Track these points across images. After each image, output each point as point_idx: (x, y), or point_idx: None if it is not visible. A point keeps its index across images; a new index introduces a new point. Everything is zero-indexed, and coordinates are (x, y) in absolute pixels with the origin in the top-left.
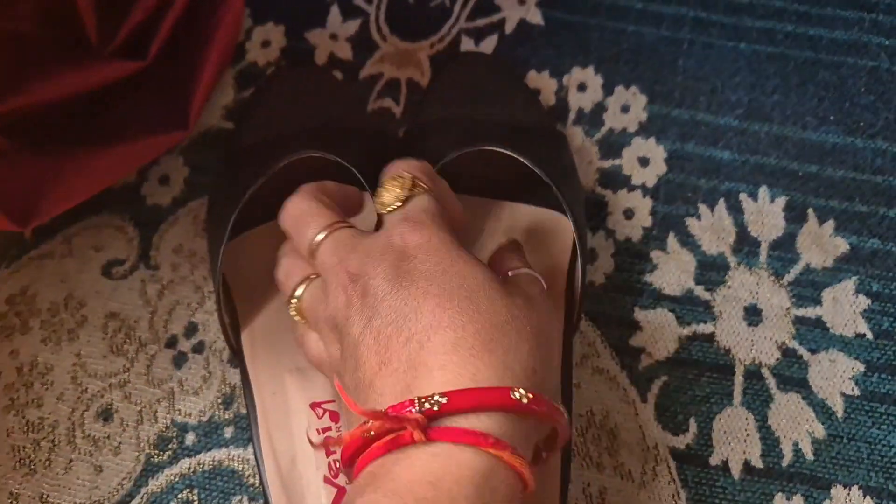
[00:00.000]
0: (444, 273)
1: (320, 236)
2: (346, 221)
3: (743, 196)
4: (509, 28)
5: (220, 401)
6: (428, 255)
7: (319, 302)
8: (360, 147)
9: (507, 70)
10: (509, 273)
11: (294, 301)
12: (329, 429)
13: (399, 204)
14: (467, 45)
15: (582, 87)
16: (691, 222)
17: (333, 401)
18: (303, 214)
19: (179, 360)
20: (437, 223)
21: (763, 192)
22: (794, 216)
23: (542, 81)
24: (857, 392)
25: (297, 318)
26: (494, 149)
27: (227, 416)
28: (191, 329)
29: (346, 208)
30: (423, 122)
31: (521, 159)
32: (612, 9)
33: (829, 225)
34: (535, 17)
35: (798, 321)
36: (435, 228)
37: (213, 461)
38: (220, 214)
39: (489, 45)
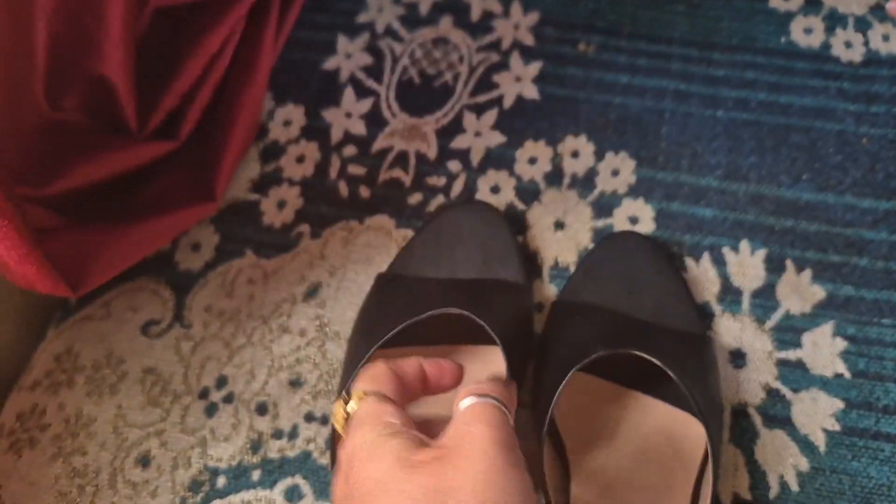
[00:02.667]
0: (357, 486)
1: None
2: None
3: (725, 249)
4: (507, 103)
5: (248, 446)
6: (352, 464)
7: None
8: (503, 306)
9: (664, 257)
10: (457, 410)
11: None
12: None
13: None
14: (469, 119)
15: (575, 154)
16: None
17: None
18: (374, 376)
19: (211, 410)
20: (362, 424)
21: (744, 245)
22: (774, 267)
23: (538, 150)
24: (837, 427)
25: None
26: (634, 353)
27: (254, 461)
28: (221, 381)
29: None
30: (571, 303)
31: (659, 363)
32: (599, 83)
33: (807, 274)
34: (531, 92)
35: (780, 363)
36: (356, 433)
37: (242, 502)
38: (364, 335)
39: (490, 119)
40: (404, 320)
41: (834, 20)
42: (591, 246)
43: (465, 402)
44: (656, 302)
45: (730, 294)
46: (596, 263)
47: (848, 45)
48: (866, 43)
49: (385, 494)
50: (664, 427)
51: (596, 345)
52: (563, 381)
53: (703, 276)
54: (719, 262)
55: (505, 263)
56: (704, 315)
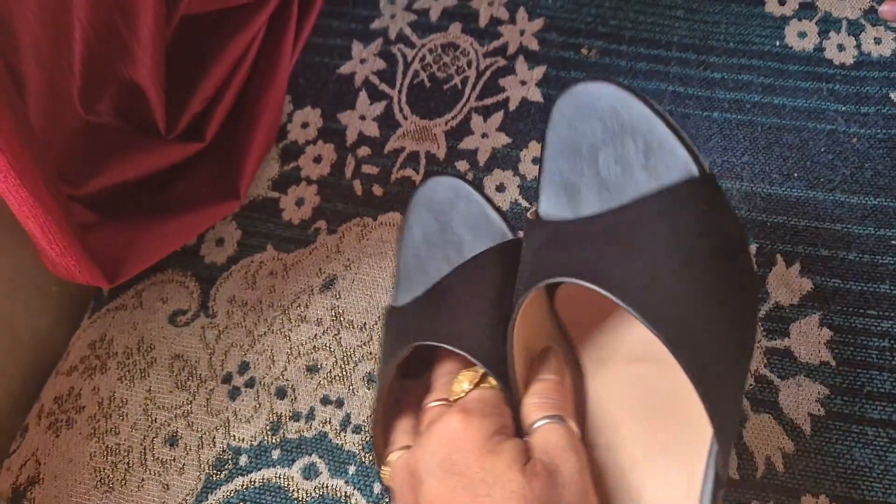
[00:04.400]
0: (469, 467)
1: (431, 404)
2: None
3: None
4: (513, 105)
5: (268, 428)
6: (465, 443)
7: (405, 471)
8: (484, 295)
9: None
10: (533, 427)
11: (386, 467)
12: None
13: (463, 394)
14: (476, 121)
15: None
16: None
17: None
18: (436, 379)
19: (234, 394)
20: (479, 413)
21: None
22: (764, 261)
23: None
24: (822, 412)
25: (386, 482)
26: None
27: (274, 441)
28: (243, 367)
29: None
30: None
31: (607, 293)
32: None
33: (796, 268)
34: (535, 95)
35: (769, 352)
36: (474, 420)
37: (263, 479)
38: (390, 354)
39: (496, 120)
40: (396, 350)
41: (827, 24)
42: None
43: (541, 423)
44: (628, 161)
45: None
46: (557, 142)
47: (840, 47)
48: (858, 46)
49: (501, 490)
50: (680, 393)
51: (531, 273)
52: (509, 329)
53: None
54: None
55: (489, 229)
56: None
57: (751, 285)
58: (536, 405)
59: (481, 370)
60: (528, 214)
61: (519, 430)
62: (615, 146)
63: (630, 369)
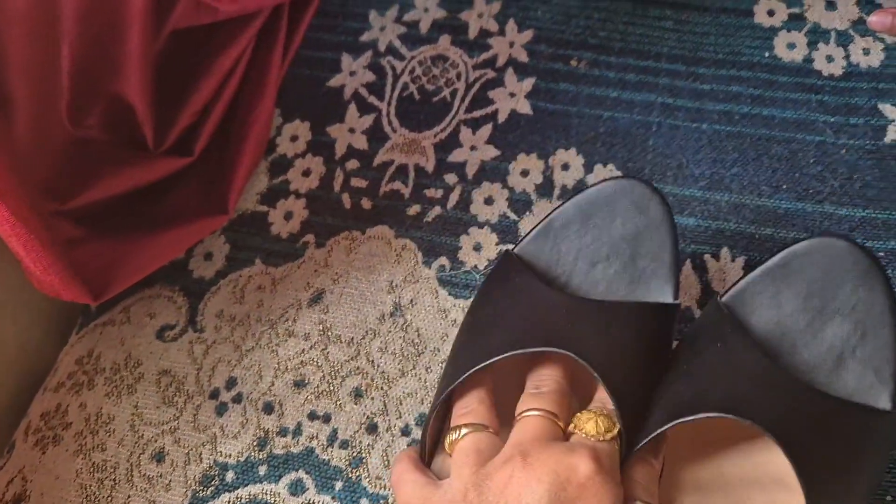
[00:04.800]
0: None
1: (532, 414)
2: (559, 418)
3: (707, 257)
4: (501, 118)
5: (255, 443)
6: (593, 497)
7: (471, 452)
8: (633, 337)
9: (879, 282)
10: None
11: (452, 436)
12: None
13: (594, 438)
14: (465, 134)
15: (565, 167)
16: None
17: None
18: (542, 384)
19: (221, 410)
20: (614, 475)
21: (725, 252)
22: None
23: (530, 163)
24: None
25: (447, 451)
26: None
27: (261, 456)
28: (231, 382)
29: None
30: (728, 311)
31: (786, 455)
32: (590, 98)
33: None
34: (524, 107)
35: None
36: (609, 479)
37: (249, 495)
38: (472, 335)
39: (485, 133)
40: (515, 337)
41: (817, 35)
42: None
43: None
44: (839, 348)
45: (709, 299)
46: (786, 267)
47: (829, 58)
48: (847, 56)
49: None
50: (782, 500)
51: (716, 396)
52: (656, 431)
53: (685, 282)
54: (700, 269)
55: (655, 270)
56: (684, 318)
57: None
58: (640, 486)
59: (618, 424)
60: (721, 300)
61: None
62: (836, 319)
63: (721, 480)
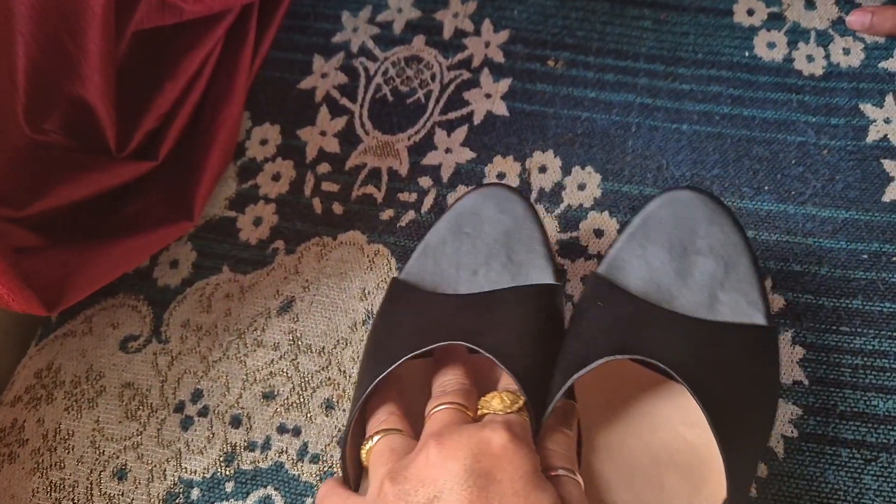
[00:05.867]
0: (514, 492)
1: (440, 408)
2: (468, 408)
3: None
4: (477, 119)
5: (221, 459)
6: (509, 464)
7: (384, 454)
8: (524, 318)
9: (727, 222)
10: (553, 475)
11: (367, 446)
12: None
13: (502, 411)
14: (440, 136)
15: (542, 169)
16: None
17: None
18: (446, 385)
19: (186, 423)
20: (527, 442)
21: None
22: None
23: (506, 165)
24: (795, 434)
25: (364, 462)
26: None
27: (228, 473)
28: (196, 395)
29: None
30: (604, 279)
31: (672, 372)
32: (567, 99)
33: (767, 284)
34: (500, 108)
35: None
36: (523, 446)
37: None
38: (372, 358)
39: (460, 135)
40: (410, 342)
41: (796, 34)
42: (557, 259)
43: (562, 474)
44: (708, 285)
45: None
46: (645, 226)
47: (810, 58)
48: (827, 56)
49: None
50: (695, 435)
51: (604, 344)
52: (559, 391)
53: None
54: None
55: (531, 261)
56: None
57: (774, 405)
58: (556, 454)
59: (523, 398)
60: (596, 272)
61: None
62: (700, 262)
63: (630, 441)
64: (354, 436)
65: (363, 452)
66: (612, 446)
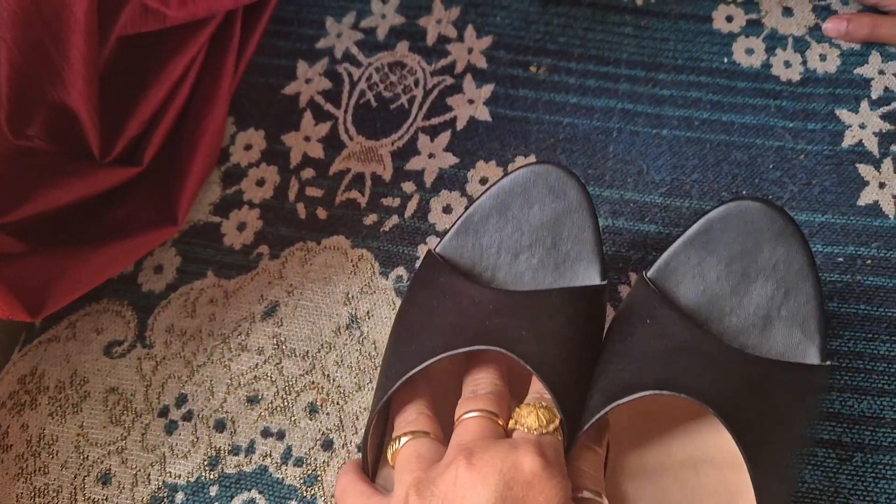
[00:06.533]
0: None
1: (471, 416)
2: (500, 418)
3: None
4: (460, 125)
5: (206, 463)
6: (541, 494)
7: (412, 459)
8: (563, 323)
9: (796, 243)
10: (582, 494)
11: (394, 447)
12: None
13: (536, 433)
14: (423, 141)
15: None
16: (623, 289)
17: None
18: (479, 387)
19: (170, 428)
20: (560, 468)
21: None
22: None
23: (489, 170)
24: None
25: (390, 463)
26: (693, 401)
27: (212, 476)
28: (181, 399)
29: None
30: (655, 288)
31: (719, 418)
32: (549, 104)
33: None
34: (483, 114)
35: None
36: (556, 474)
37: None
38: (402, 344)
39: (443, 140)
40: (444, 339)
41: (774, 41)
42: None
43: (589, 496)
44: (765, 308)
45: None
46: (706, 234)
47: (787, 64)
48: (804, 62)
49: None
50: (735, 478)
51: (650, 373)
52: (595, 416)
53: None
54: None
55: (578, 253)
56: None
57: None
58: (587, 476)
59: (559, 416)
60: (647, 275)
61: None
62: (759, 282)
63: (662, 474)
64: (378, 423)
65: (389, 453)
66: (644, 473)
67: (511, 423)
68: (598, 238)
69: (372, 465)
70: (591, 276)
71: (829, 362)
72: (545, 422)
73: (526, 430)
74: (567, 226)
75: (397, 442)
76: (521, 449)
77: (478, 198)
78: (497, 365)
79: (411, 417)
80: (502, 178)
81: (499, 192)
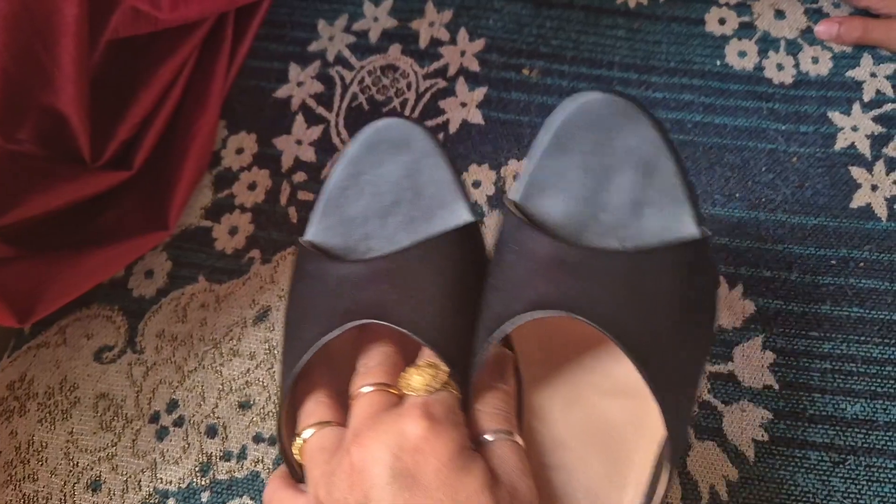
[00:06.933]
0: (439, 485)
1: (363, 391)
2: (394, 387)
3: None
4: (453, 128)
5: (197, 469)
6: (431, 454)
7: (322, 449)
8: (438, 273)
9: (644, 120)
10: (485, 439)
11: (298, 440)
12: None
13: (424, 393)
14: None
15: (518, 177)
16: None
17: None
18: (369, 360)
19: (161, 434)
20: (449, 422)
21: None
22: None
23: (482, 173)
24: (766, 438)
25: (297, 457)
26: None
27: (203, 483)
28: (172, 405)
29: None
30: (521, 214)
31: (599, 329)
32: (542, 107)
33: (738, 290)
34: (476, 117)
35: (713, 377)
36: (444, 429)
37: None
38: (289, 341)
39: None
40: (321, 325)
41: (767, 43)
42: None
43: (494, 438)
44: (632, 195)
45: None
46: (557, 140)
47: (780, 67)
48: (797, 65)
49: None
50: (629, 391)
51: (520, 298)
52: (478, 355)
53: None
54: None
55: (442, 197)
56: None
57: (712, 331)
58: (489, 415)
59: (446, 369)
60: (508, 199)
61: None
62: (619, 171)
63: (579, 398)
64: (288, 427)
65: (295, 451)
66: (557, 406)
67: (402, 388)
68: (458, 178)
69: (298, 469)
70: (459, 214)
71: (705, 228)
72: (431, 379)
73: (414, 392)
74: (424, 174)
75: (299, 438)
76: (405, 416)
77: (329, 174)
78: (387, 336)
79: (310, 409)
80: (347, 145)
81: (347, 161)
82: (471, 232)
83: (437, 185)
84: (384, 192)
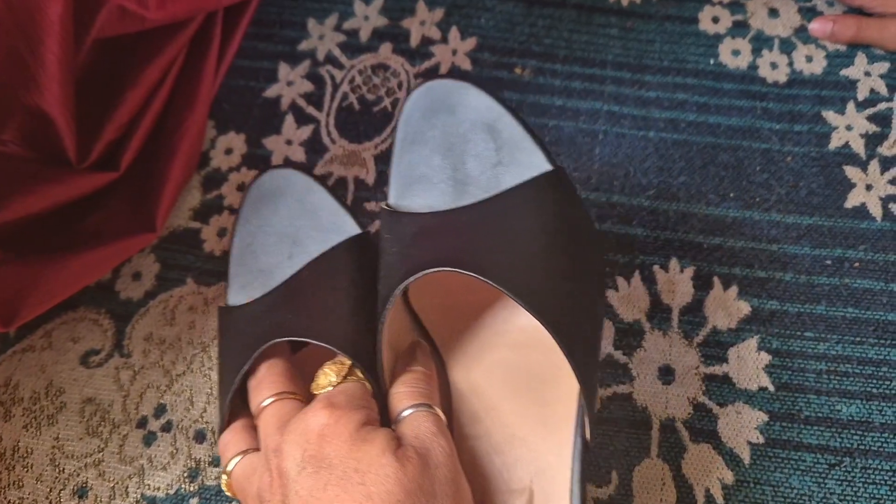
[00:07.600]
0: (342, 459)
1: (267, 401)
2: (295, 393)
3: (655, 268)
4: None
5: (186, 475)
6: (334, 437)
7: (248, 477)
8: (336, 288)
9: (475, 93)
10: (401, 415)
11: (224, 477)
12: None
13: (330, 387)
14: None
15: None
16: (610, 293)
17: None
18: (261, 379)
19: (149, 439)
20: (349, 406)
21: (673, 263)
22: (702, 284)
23: None
24: (761, 440)
25: (227, 492)
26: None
27: (192, 489)
28: (160, 410)
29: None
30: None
31: (481, 278)
32: (534, 106)
33: (733, 290)
34: None
35: (707, 378)
36: (343, 413)
37: None
38: (238, 354)
39: None
40: (236, 367)
41: (760, 42)
42: None
43: (410, 412)
44: (487, 160)
45: (659, 311)
46: (405, 136)
47: (773, 65)
48: (791, 64)
49: (375, 476)
50: (537, 338)
51: (396, 274)
52: (377, 342)
53: (634, 294)
54: (649, 281)
55: (334, 222)
56: (634, 332)
57: (599, 264)
58: (404, 394)
59: (348, 362)
60: (383, 205)
61: (387, 422)
62: (469, 142)
63: (493, 356)
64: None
65: (223, 484)
66: (471, 372)
67: (312, 389)
68: (342, 201)
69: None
70: (348, 231)
71: (558, 163)
72: (335, 374)
73: (321, 390)
74: (313, 206)
75: (228, 465)
76: (309, 412)
77: (230, 240)
78: (279, 357)
79: (235, 440)
80: (240, 205)
81: (243, 221)
82: (360, 242)
83: (328, 211)
84: (285, 234)
